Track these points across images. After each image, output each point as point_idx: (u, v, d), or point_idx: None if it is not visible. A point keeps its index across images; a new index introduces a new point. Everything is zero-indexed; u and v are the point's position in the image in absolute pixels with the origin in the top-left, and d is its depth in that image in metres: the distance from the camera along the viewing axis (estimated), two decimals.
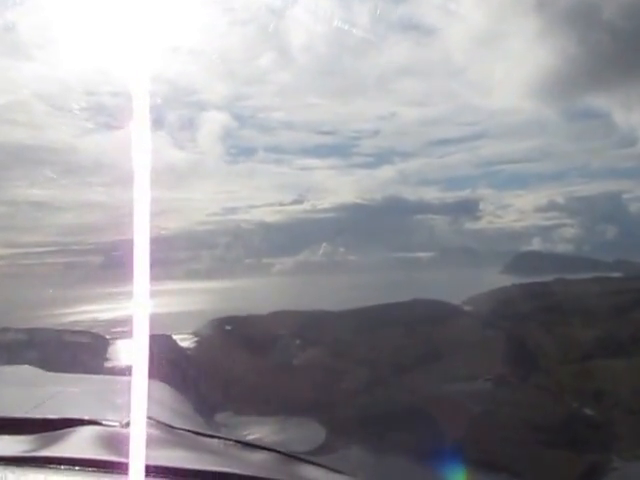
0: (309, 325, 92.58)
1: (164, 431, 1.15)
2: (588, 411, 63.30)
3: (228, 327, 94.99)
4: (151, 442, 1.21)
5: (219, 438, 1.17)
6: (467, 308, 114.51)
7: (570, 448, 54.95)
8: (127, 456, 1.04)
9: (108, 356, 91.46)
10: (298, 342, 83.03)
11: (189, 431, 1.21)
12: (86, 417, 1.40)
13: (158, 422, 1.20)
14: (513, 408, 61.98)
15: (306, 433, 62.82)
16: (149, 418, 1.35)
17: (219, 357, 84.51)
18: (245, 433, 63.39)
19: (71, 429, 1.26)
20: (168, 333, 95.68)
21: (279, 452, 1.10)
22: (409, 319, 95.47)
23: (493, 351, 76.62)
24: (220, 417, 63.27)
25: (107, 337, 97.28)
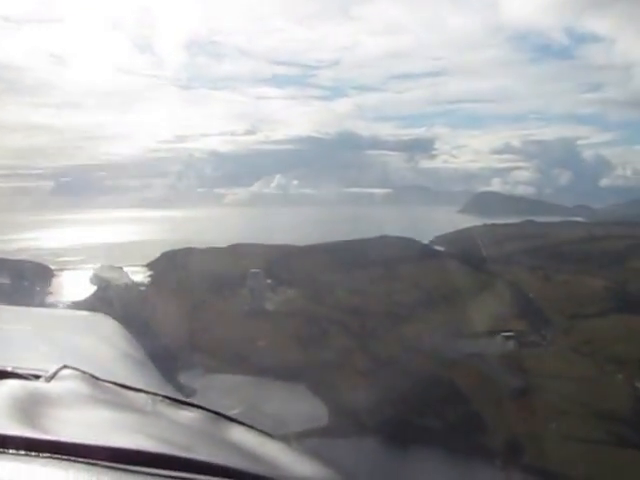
0: (276, 260, 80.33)
1: (88, 384, 1.08)
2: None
3: (184, 260, 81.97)
4: (73, 397, 1.22)
5: (147, 393, 1.11)
6: (438, 248, 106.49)
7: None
8: (46, 416, 1.05)
9: (51, 288, 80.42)
10: (269, 281, 70.23)
11: (115, 384, 1.13)
12: (8, 368, 1.22)
13: (83, 374, 1.12)
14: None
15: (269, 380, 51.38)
16: (74, 369, 1.36)
17: (176, 294, 71.43)
18: (199, 380, 52.44)
19: None
20: (118, 265, 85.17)
21: (208, 410, 1.07)
22: (381, 257, 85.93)
23: (473, 292, 66.33)
24: (174, 363, 50.70)
25: (52, 267, 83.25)
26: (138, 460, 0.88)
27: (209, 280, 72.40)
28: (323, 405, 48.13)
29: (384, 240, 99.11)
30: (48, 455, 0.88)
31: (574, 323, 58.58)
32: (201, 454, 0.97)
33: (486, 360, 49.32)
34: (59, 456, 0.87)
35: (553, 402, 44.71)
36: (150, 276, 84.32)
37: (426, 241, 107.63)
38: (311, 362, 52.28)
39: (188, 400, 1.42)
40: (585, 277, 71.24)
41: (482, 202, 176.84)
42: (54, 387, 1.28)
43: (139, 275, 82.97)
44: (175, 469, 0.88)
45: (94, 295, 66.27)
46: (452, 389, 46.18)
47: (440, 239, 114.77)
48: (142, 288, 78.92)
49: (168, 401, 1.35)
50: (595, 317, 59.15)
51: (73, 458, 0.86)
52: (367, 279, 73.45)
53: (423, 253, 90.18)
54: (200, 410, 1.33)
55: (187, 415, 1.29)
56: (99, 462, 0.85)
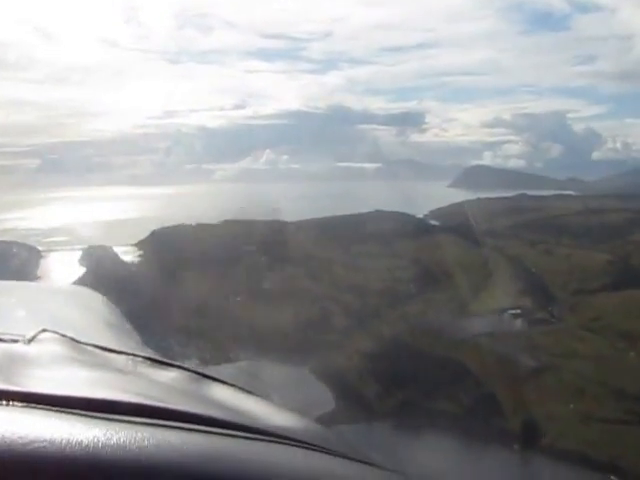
0: (270, 237, 77.72)
1: (68, 346, 1.13)
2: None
3: (175, 238, 79.24)
4: (52, 358, 1.24)
5: (128, 354, 1.17)
6: (433, 222, 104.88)
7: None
8: (24, 375, 1.08)
9: (39, 270, 77.52)
10: (264, 259, 67.51)
11: (96, 346, 1.19)
12: None
13: (63, 337, 1.18)
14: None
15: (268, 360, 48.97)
16: (54, 332, 1.37)
17: (168, 273, 68.77)
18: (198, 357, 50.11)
19: None
20: (107, 244, 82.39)
21: (190, 370, 1.13)
22: (378, 232, 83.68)
23: (475, 268, 64.23)
24: (167, 350, 48.25)
25: (39, 249, 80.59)
26: (114, 409, 0.91)
27: (201, 258, 69.86)
28: (326, 390, 45.63)
29: (379, 215, 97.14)
30: (22, 405, 0.90)
31: (580, 299, 56.33)
32: (187, 407, 0.99)
33: (495, 339, 46.88)
34: (34, 405, 0.89)
35: (569, 381, 42.60)
36: (140, 255, 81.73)
37: (420, 215, 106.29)
38: (312, 343, 49.75)
39: (170, 361, 1.40)
40: (587, 251, 69.20)
41: (473, 176, 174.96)
42: (33, 349, 1.29)
43: (129, 254, 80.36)
44: (151, 417, 0.91)
45: (83, 276, 63.49)
46: (462, 370, 43.81)
47: (434, 213, 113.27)
48: (132, 268, 76.27)
49: (149, 362, 1.36)
50: (601, 292, 56.85)
51: (47, 407, 0.89)
52: (366, 255, 71.05)
53: (419, 228, 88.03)
54: (182, 370, 1.34)
55: (168, 375, 1.31)
56: (74, 411, 0.89)
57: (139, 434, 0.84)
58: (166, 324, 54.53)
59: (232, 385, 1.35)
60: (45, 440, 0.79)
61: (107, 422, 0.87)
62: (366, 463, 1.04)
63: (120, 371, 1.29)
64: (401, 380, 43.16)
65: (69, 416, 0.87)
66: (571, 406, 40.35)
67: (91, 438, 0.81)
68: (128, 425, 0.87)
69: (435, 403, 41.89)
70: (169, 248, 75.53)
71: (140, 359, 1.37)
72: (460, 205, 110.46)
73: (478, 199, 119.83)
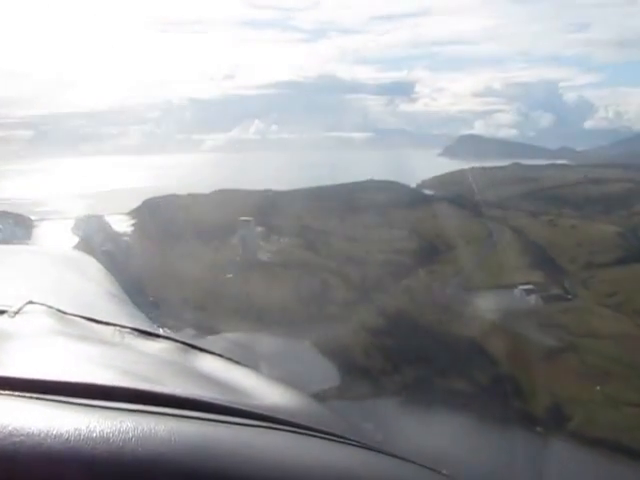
0: (263, 206, 74.60)
1: (55, 318, 1.15)
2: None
3: (167, 207, 76.18)
4: (38, 332, 1.23)
5: (115, 325, 1.20)
6: (427, 191, 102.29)
7: None
8: (8, 351, 1.07)
9: (31, 239, 74.66)
10: (260, 229, 64.34)
11: (83, 318, 1.22)
12: None
13: (50, 308, 1.20)
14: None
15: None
16: (41, 304, 1.36)
17: (161, 243, 65.71)
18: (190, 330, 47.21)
19: None
20: (100, 213, 79.51)
21: (178, 341, 1.15)
22: (373, 201, 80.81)
23: (478, 239, 61.57)
24: (159, 322, 45.38)
25: (32, 218, 77.08)
26: (95, 394, 0.88)
27: (194, 228, 66.79)
28: (330, 365, 42.61)
29: (372, 184, 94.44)
30: (7, 393, 0.87)
31: (592, 273, 53.25)
32: (168, 385, 0.97)
33: (510, 316, 43.95)
34: (19, 393, 0.87)
35: (592, 362, 39.68)
36: (133, 224, 78.86)
37: (413, 185, 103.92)
38: (314, 316, 46.73)
39: (158, 332, 1.40)
40: (593, 223, 66.48)
41: (464, 145, 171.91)
42: (18, 322, 1.28)
43: (121, 224, 77.47)
44: (139, 402, 0.88)
45: (77, 245, 60.41)
46: (476, 347, 40.53)
47: (427, 183, 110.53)
48: (125, 237, 73.45)
49: (137, 333, 1.34)
50: (613, 266, 53.86)
51: (24, 394, 0.86)
52: (364, 226, 68.15)
53: (415, 198, 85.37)
54: (170, 341, 1.33)
55: (156, 346, 1.29)
56: (53, 397, 0.86)
57: (123, 423, 0.80)
58: (158, 294, 51.73)
59: (220, 356, 1.32)
60: (21, 430, 0.76)
61: (88, 409, 0.84)
62: (364, 446, 0.99)
63: (107, 344, 1.27)
64: (410, 357, 40.07)
65: (47, 403, 0.84)
66: (597, 388, 37.47)
67: (72, 428, 0.78)
68: (110, 412, 0.84)
69: (448, 381, 38.44)
70: (161, 217, 72.61)
71: (128, 330, 1.35)
72: (453, 174, 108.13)
73: (472, 168, 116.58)
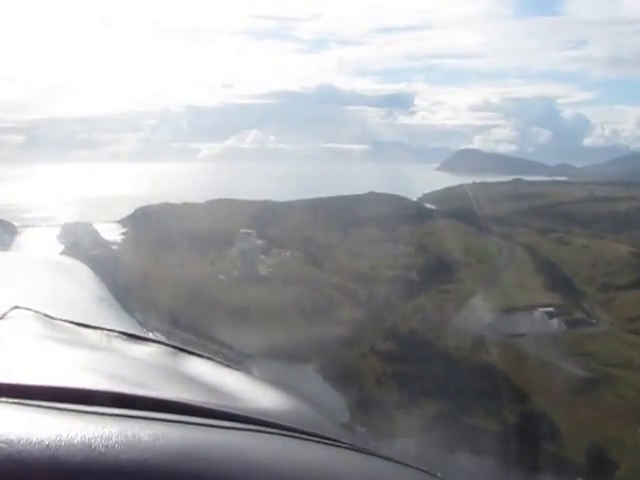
0: (262, 217, 70.47)
1: (41, 323, 1.19)
2: None
3: (160, 216, 71.90)
4: (24, 337, 1.21)
5: (103, 329, 1.23)
6: (430, 206, 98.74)
7: None
8: None
9: (14, 247, 70.58)
10: (260, 242, 59.91)
11: (70, 322, 1.26)
12: None
13: (36, 313, 1.24)
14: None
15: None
16: (27, 309, 1.34)
17: (153, 253, 61.39)
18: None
19: None
20: (89, 221, 75.52)
21: (167, 344, 1.17)
22: (376, 215, 76.98)
23: (488, 257, 57.72)
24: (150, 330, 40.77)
25: (15, 224, 78.63)
26: (80, 399, 0.86)
27: (189, 238, 62.52)
28: (337, 396, 37.73)
29: (373, 197, 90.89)
30: None
31: (611, 295, 48.79)
32: (155, 388, 0.95)
33: (534, 342, 39.35)
34: (5, 399, 0.84)
35: (631, 397, 34.64)
36: (123, 233, 74.62)
37: (414, 198, 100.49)
38: (317, 340, 42.17)
39: (147, 335, 1.36)
40: (605, 242, 62.53)
41: (461, 159, 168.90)
42: (3, 327, 1.25)
43: (111, 232, 73.26)
44: (124, 407, 0.86)
45: (62, 253, 55.67)
46: (500, 378, 34.96)
47: (428, 197, 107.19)
48: (114, 246, 69.18)
49: (125, 337, 1.30)
50: (631, 288, 49.44)
51: (8, 399, 0.84)
52: (366, 239, 64.14)
53: (419, 212, 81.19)
54: (159, 344, 1.29)
55: (145, 350, 1.26)
56: (37, 402, 0.84)
57: (106, 428, 0.78)
58: (150, 310, 47.29)
59: (210, 359, 1.29)
60: (1, 437, 0.74)
61: (70, 414, 0.82)
62: (356, 449, 0.97)
63: (94, 348, 1.25)
64: (428, 387, 35.08)
65: (31, 409, 0.83)
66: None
67: (53, 434, 0.76)
68: (93, 417, 0.82)
69: (472, 418, 33.71)
70: (153, 227, 68.29)
71: (116, 334, 1.32)
72: (454, 189, 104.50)
73: (473, 183, 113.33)
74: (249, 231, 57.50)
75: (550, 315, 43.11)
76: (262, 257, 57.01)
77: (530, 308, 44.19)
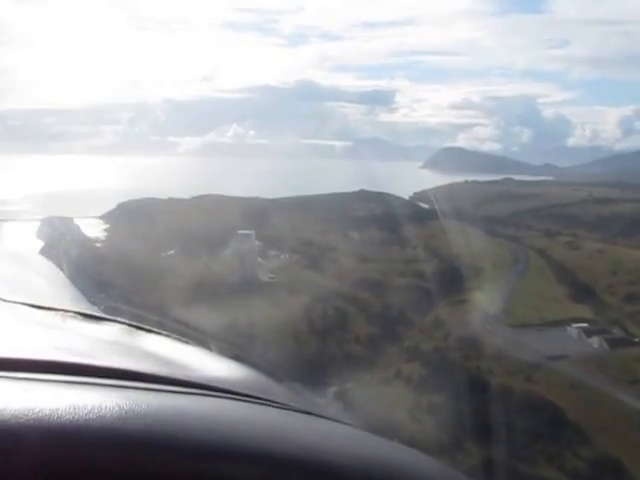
0: (252, 214, 65.24)
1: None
2: None
3: (144, 212, 66.72)
4: None
5: (58, 310, 1.24)
6: (423, 205, 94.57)
7: None
8: None
9: None
10: (258, 243, 54.62)
11: (24, 304, 1.28)
12: None
13: None
14: None
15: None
16: None
17: (137, 251, 55.97)
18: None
19: None
20: (69, 215, 70.14)
21: (124, 323, 1.18)
22: (371, 214, 72.73)
23: (498, 258, 53.48)
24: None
25: None
26: (26, 367, 0.86)
27: (178, 237, 57.37)
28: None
29: (365, 195, 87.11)
30: None
31: (638, 308, 44.64)
32: (107, 361, 0.95)
33: (582, 366, 33.92)
34: None
35: None
36: (105, 229, 69.28)
37: (406, 197, 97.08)
38: (333, 356, 37.20)
39: (103, 315, 1.36)
40: (618, 247, 58.36)
41: (445, 158, 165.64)
42: None
43: (93, 228, 67.94)
44: (69, 374, 0.86)
45: (40, 251, 49.87)
46: (552, 411, 30.36)
47: (421, 195, 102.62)
48: (97, 243, 63.96)
49: (80, 316, 1.31)
50: None
51: None
52: (369, 241, 59.51)
53: (414, 211, 76.55)
54: (114, 323, 1.30)
55: (100, 328, 1.26)
56: None
57: (48, 393, 0.79)
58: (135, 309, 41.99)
59: (168, 336, 1.29)
60: None
61: (17, 382, 0.82)
62: (310, 413, 0.98)
63: (46, 327, 1.24)
64: (470, 425, 28.73)
65: None
66: None
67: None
68: (42, 384, 0.82)
69: (532, 466, 27.88)
70: (137, 223, 62.96)
71: (71, 314, 1.31)
72: (446, 188, 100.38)
73: (465, 182, 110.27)
74: (248, 232, 52.03)
75: (587, 332, 38.23)
76: (260, 260, 51.77)
77: (562, 323, 39.33)
